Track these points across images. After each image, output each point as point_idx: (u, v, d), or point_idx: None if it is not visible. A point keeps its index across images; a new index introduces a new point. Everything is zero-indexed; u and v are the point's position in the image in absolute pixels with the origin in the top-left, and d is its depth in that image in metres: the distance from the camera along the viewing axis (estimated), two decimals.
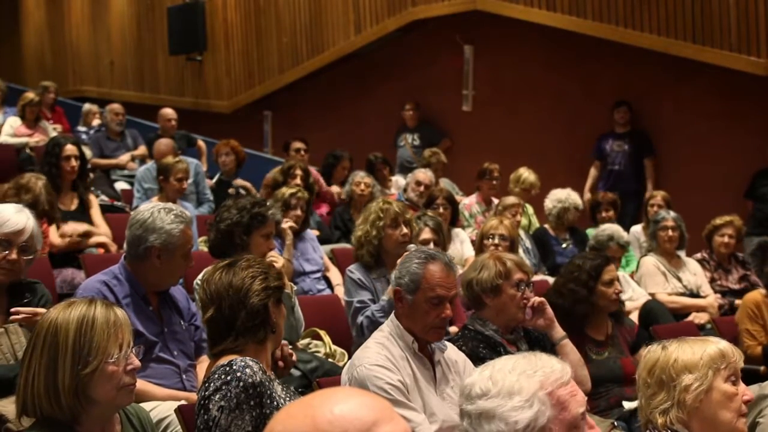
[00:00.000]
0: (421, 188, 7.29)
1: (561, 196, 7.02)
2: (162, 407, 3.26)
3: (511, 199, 6.86)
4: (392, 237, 4.64)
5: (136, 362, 2.37)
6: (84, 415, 2.32)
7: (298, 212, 5.58)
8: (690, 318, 5.87)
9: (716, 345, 2.51)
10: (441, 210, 6.29)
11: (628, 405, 4.10)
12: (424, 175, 7.50)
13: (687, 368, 2.47)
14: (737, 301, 6.18)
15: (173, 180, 6.32)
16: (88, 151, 7.96)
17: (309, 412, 1.24)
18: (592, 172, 9.09)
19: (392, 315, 3.23)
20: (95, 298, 2.47)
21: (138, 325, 3.38)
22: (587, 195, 8.86)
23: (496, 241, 5.27)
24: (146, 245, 3.47)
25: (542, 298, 3.73)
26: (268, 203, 4.51)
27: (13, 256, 3.29)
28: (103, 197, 7.44)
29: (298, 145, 8.63)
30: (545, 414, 1.80)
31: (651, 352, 2.54)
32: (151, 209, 3.56)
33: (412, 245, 4.48)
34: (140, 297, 3.51)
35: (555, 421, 1.81)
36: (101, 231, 5.65)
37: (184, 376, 3.52)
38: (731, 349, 2.52)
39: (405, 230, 4.65)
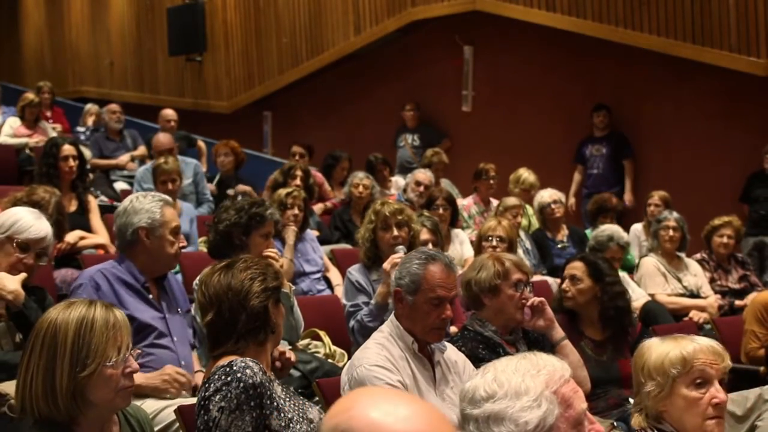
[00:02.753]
0: (421, 188, 7.29)
1: (538, 199, 7.09)
2: (163, 414, 3.28)
3: (511, 201, 6.85)
4: (383, 239, 4.66)
5: (135, 365, 2.36)
6: (82, 416, 2.31)
7: (296, 211, 5.58)
8: (690, 316, 5.88)
9: (680, 348, 2.52)
10: (441, 211, 6.28)
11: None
12: (423, 175, 7.50)
13: (651, 374, 2.53)
14: (737, 302, 6.19)
15: (158, 183, 6.30)
16: (87, 152, 7.95)
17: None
18: (576, 176, 9.13)
19: (392, 315, 3.23)
20: (95, 299, 2.46)
21: (139, 311, 3.49)
22: (572, 200, 8.90)
23: (494, 242, 5.27)
24: (133, 228, 3.60)
25: (541, 298, 3.73)
26: (266, 203, 4.50)
27: (30, 261, 3.39)
28: (103, 198, 7.44)
29: (295, 149, 8.65)
30: (553, 413, 1.80)
31: (638, 350, 2.61)
32: (129, 198, 3.74)
33: (400, 246, 4.47)
34: (141, 285, 3.58)
35: (561, 419, 1.81)
36: (99, 235, 5.62)
37: (182, 363, 3.56)
38: (704, 349, 2.52)
39: (396, 232, 4.63)
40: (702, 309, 5.98)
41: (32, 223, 3.40)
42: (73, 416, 2.30)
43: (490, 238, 5.30)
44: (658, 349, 2.54)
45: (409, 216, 4.77)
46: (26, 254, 3.38)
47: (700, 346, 2.52)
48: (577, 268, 4.34)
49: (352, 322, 4.41)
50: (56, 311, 2.35)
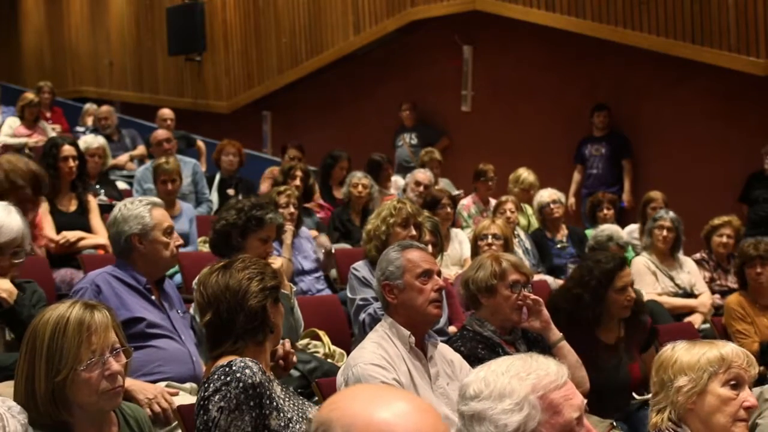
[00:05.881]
0: (421, 188, 7.29)
1: (537, 198, 7.10)
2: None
3: (501, 199, 6.90)
4: (399, 236, 4.60)
5: (115, 367, 2.32)
6: (71, 418, 2.30)
7: (291, 210, 5.59)
8: (689, 319, 5.87)
9: (719, 349, 2.52)
10: (448, 210, 6.29)
11: (638, 398, 4.08)
12: (423, 175, 7.50)
13: (683, 370, 2.50)
14: None
15: (158, 182, 6.34)
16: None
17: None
18: (576, 176, 9.14)
19: (385, 315, 3.24)
20: (79, 300, 2.43)
21: (145, 311, 3.50)
22: (572, 199, 8.90)
23: (490, 240, 5.32)
24: (126, 236, 3.62)
25: (537, 297, 3.72)
26: (268, 206, 4.47)
27: (5, 263, 3.30)
28: (102, 197, 7.43)
29: (293, 153, 8.64)
30: (535, 418, 1.79)
31: (662, 352, 2.59)
32: (118, 207, 3.76)
33: None
34: (143, 287, 3.60)
35: (546, 425, 1.79)
36: (99, 235, 5.60)
37: (194, 358, 3.57)
38: (739, 354, 2.52)
39: (413, 232, 4.64)
40: (693, 308, 5.95)
41: (2, 222, 3.28)
42: (56, 420, 2.27)
43: (485, 237, 5.36)
44: (690, 350, 2.53)
45: (423, 221, 4.81)
46: (0, 257, 3.28)
47: (735, 351, 2.53)
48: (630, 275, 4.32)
49: (362, 315, 4.38)
50: (42, 313, 2.35)
